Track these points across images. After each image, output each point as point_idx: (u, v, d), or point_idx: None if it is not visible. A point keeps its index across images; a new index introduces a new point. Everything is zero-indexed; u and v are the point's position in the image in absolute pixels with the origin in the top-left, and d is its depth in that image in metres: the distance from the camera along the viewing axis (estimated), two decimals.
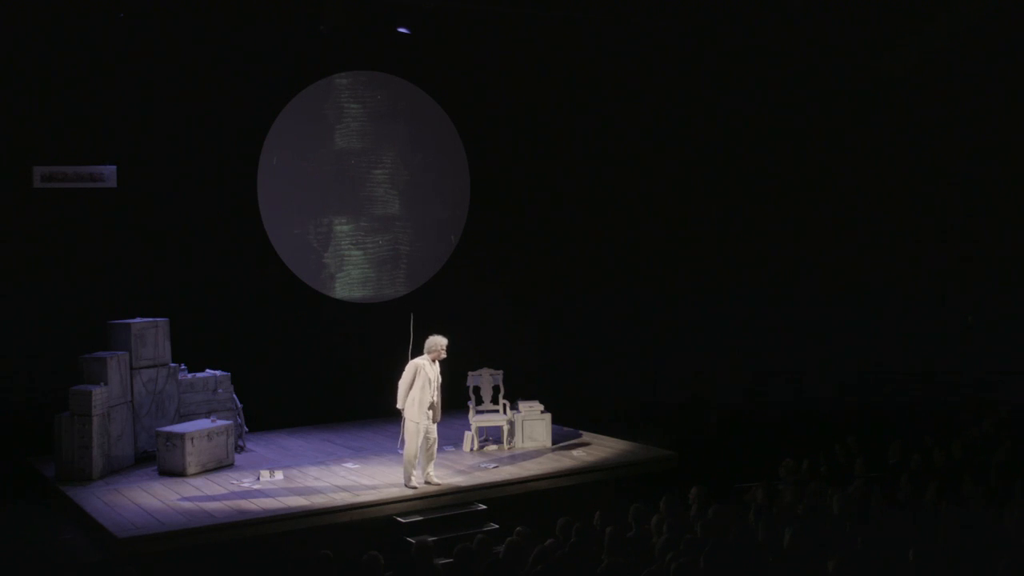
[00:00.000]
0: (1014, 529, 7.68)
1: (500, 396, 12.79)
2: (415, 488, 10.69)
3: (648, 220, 16.25)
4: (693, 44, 15.58)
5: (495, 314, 15.12)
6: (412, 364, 10.77)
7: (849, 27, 15.40)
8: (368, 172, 15.02)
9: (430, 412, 10.73)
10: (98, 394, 11.46)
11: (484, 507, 10.70)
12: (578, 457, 12.13)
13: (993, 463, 9.98)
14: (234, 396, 12.93)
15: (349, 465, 11.85)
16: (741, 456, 12.24)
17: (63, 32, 12.66)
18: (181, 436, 11.47)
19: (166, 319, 12.59)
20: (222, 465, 11.81)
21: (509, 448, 12.54)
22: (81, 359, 11.83)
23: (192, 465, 11.46)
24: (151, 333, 12.40)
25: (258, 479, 11.23)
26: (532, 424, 12.61)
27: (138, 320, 12.39)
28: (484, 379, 12.83)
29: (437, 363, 10.82)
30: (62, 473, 11.40)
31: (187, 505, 10.35)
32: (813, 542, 7.40)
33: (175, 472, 11.44)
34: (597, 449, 12.53)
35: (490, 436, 12.86)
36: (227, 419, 12.40)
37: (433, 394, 10.72)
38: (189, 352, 12.96)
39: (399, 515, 10.40)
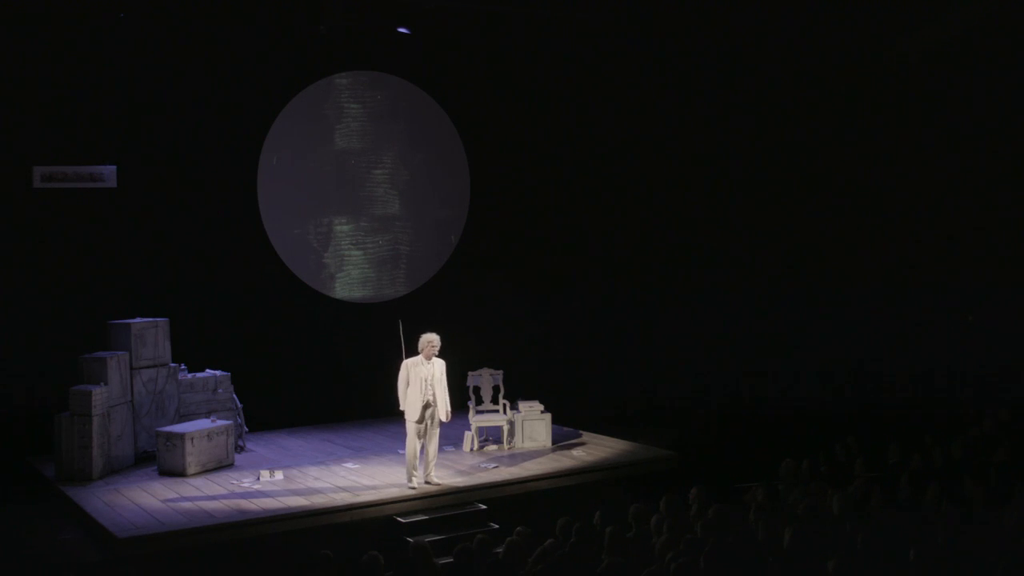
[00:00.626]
0: (1014, 529, 7.68)
1: (500, 396, 12.79)
2: (415, 488, 10.69)
3: (648, 220, 16.24)
4: (693, 44, 15.57)
5: (495, 314, 15.12)
6: (403, 364, 10.76)
7: (848, 27, 15.39)
8: (368, 172, 15.03)
9: (427, 411, 10.71)
10: (98, 394, 11.46)
11: (484, 507, 10.69)
12: (578, 457, 12.13)
13: (993, 463, 9.98)
14: (234, 396, 12.93)
15: (349, 465, 11.85)
16: (741, 456, 12.23)
17: (63, 32, 12.66)
18: (181, 436, 11.47)
19: (166, 319, 12.59)
20: (222, 465, 11.81)
21: (509, 448, 12.54)
22: (81, 359, 11.83)
23: (192, 465, 11.46)
24: (151, 333, 12.41)
25: (258, 479, 11.23)
26: (532, 424, 12.61)
27: (138, 320, 12.39)
28: (484, 379, 12.83)
29: (434, 361, 10.77)
30: (62, 473, 11.40)
31: (187, 505, 10.35)
32: (813, 542, 7.40)
33: (175, 472, 11.44)
34: (597, 449, 12.53)
35: (490, 436, 12.87)
36: (227, 419, 12.40)
37: (427, 393, 10.68)
38: (189, 352, 12.96)
39: (399, 515, 10.40)
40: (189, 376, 12.76)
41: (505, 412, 12.69)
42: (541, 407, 12.73)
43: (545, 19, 14.75)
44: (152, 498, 10.63)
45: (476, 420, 12.62)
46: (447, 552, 9.04)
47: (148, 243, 13.40)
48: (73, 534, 10.16)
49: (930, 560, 6.91)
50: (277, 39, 13.88)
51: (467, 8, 14.31)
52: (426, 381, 10.65)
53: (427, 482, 10.82)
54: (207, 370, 12.95)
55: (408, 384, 10.67)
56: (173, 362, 12.64)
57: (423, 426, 10.71)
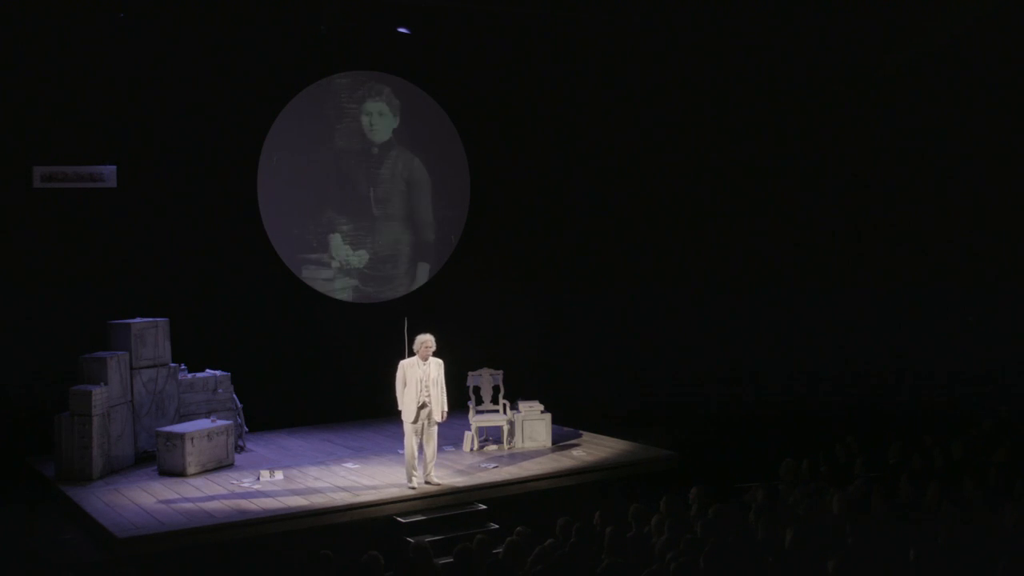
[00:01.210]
0: (1014, 529, 7.67)
1: (500, 396, 12.79)
2: (415, 488, 10.69)
3: (648, 220, 16.25)
4: (692, 44, 15.57)
5: (495, 314, 15.12)
6: (399, 366, 10.75)
7: (848, 28, 15.39)
8: (368, 172, 15.03)
9: (423, 411, 10.70)
10: (98, 394, 11.46)
11: (484, 507, 10.69)
12: (578, 457, 12.13)
13: (993, 463, 9.97)
14: (234, 396, 12.94)
15: (349, 465, 11.85)
16: (741, 456, 12.23)
17: (63, 32, 12.66)
18: (181, 436, 11.47)
19: (166, 319, 12.59)
20: (222, 465, 11.81)
21: (509, 448, 12.54)
22: (81, 359, 11.84)
23: (192, 465, 11.46)
24: (151, 333, 12.41)
25: (258, 479, 11.23)
26: (532, 424, 12.61)
27: (138, 320, 12.39)
28: (484, 379, 12.83)
29: (431, 361, 10.75)
30: (62, 473, 11.40)
31: (187, 505, 10.35)
32: (813, 542, 7.40)
33: (175, 472, 11.44)
34: (597, 449, 12.53)
35: (490, 436, 12.87)
36: (227, 419, 12.40)
37: (423, 393, 10.66)
38: (189, 352, 12.96)
39: (399, 515, 10.40)
40: (189, 376, 12.76)
41: (505, 412, 12.69)
42: (541, 407, 12.72)
43: (545, 19, 14.75)
44: (152, 498, 10.63)
45: (476, 420, 12.62)
46: (447, 552, 9.03)
47: (148, 243, 13.39)
48: (73, 534, 10.16)
49: (930, 560, 6.91)
50: (277, 39, 13.88)
51: (467, 8, 14.31)
52: (421, 382, 10.64)
53: (427, 482, 10.82)
54: (207, 370, 12.95)
55: (405, 385, 10.67)
56: (173, 362, 12.64)
57: (420, 427, 10.71)
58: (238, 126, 13.93)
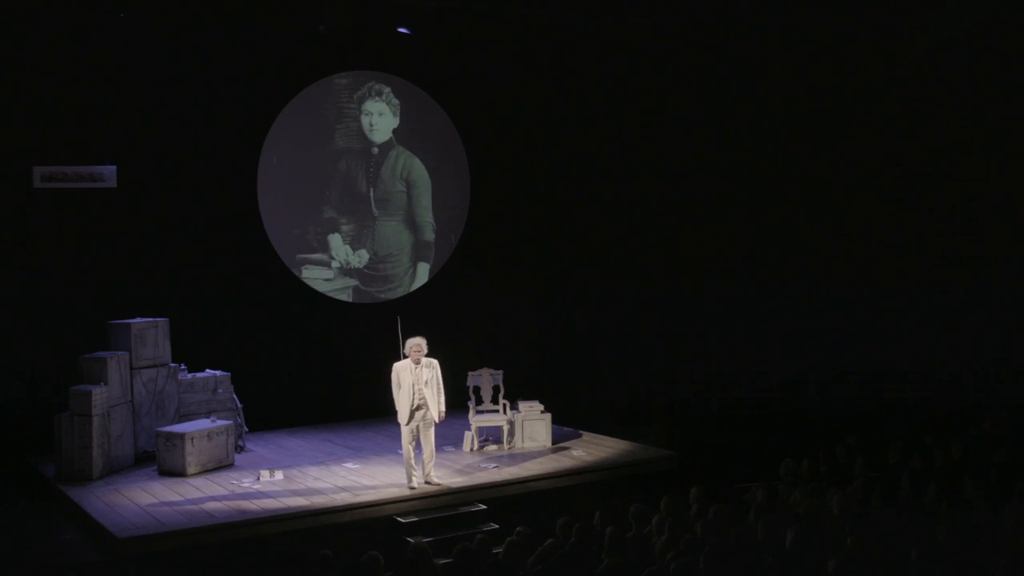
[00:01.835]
0: (1014, 529, 7.67)
1: (500, 396, 12.79)
2: (415, 488, 10.69)
3: (648, 220, 16.24)
4: (692, 44, 15.57)
5: (495, 314, 15.12)
6: (393, 369, 10.75)
7: (847, 28, 15.39)
8: (368, 172, 15.03)
9: (418, 413, 10.69)
10: (98, 394, 11.46)
11: (484, 507, 10.69)
12: (578, 457, 12.13)
13: (993, 463, 9.97)
14: (234, 396, 12.94)
15: (349, 465, 11.85)
16: (741, 456, 12.22)
17: (63, 32, 12.66)
18: (181, 436, 11.47)
19: (166, 319, 12.59)
20: (222, 465, 11.81)
21: (509, 448, 12.54)
22: (81, 359, 11.84)
23: (192, 465, 11.46)
24: (151, 333, 12.41)
25: (258, 479, 11.23)
26: (532, 424, 12.61)
27: (138, 320, 12.39)
28: (484, 379, 12.83)
29: (425, 363, 10.69)
30: (62, 473, 11.40)
31: (187, 505, 10.35)
32: (813, 542, 7.39)
33: (175, 472, 11.44)
34: (597, 449, 12.53)
35: (490, 436, 12.86)
36: (227, 419, 12.40)
37: (417, 395, 10.64)
38: (189, 352, 12.96)
39: (399, 515, 10.40)
40: (189, 376, 12.76)
41: (505, 412, 12.69)
42: (541, 407, 12.72)
43: (545, 19, 14.74)
44: (152, 498, 10.63)
45: (476, 420, 12.61)
46: (447, 552, 9.03)
47: (148, 243, 13.39)
48: (73, 534, 10.16)
49: (930, 560, 6.91)
50: (277, 39, 13.88)
51: (467, 8, 14.31)
52: (414, 385, 10.63)
53: (427, 482, 10.81)
54: (207, 370, 12.95)
55: (400, 387, 10.66)
56: (173, 362, 12.64)
57: (415, 428, 10.70)
58: (238, 126, 13.93)
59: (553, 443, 12.65)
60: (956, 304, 15.68)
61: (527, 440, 12.58)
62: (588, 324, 15.87)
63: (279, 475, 11.34)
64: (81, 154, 13.02)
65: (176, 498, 10.62)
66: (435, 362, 10.81)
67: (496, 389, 12.82)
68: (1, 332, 12.48)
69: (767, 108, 16.22)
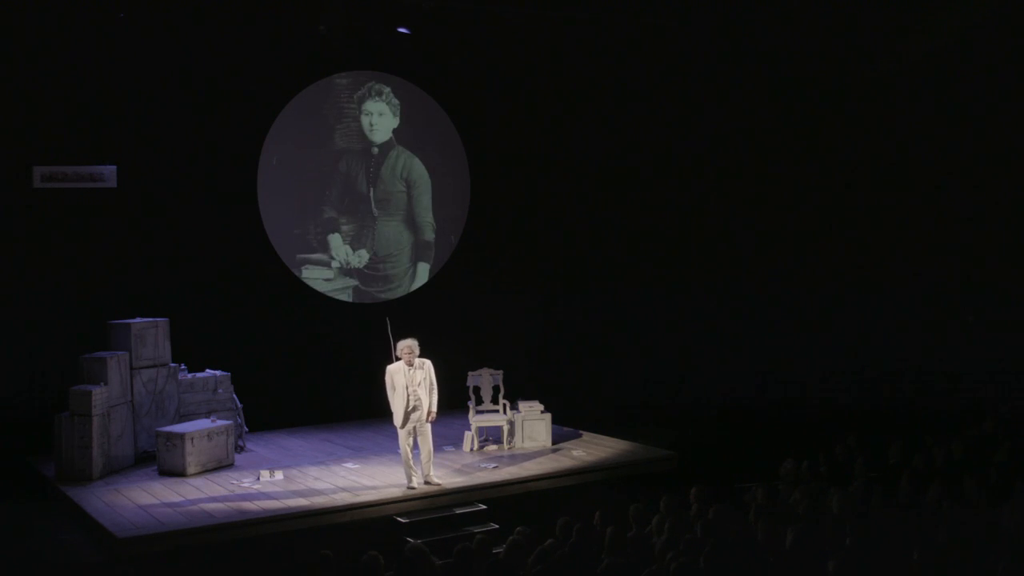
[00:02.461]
0: (1014, 529, 7.67)
1: (500, 396, 12.79)
2: (415, 488, 10.69)
3: (648, 220, 16.24)
4: (693, 44, 15.57)
5: (495, 314, 15.11)
6: (387, 371, 10.73)
7: (847, 28, 15.38)
8: (368, 172, 15.03)
9: (414, 415, 10.67)
10: (98, 394, 11.46)
11: (484, 507, 10.69)
12: (578, 457, 12.13)
13: (993, 463, 9.97)
14: (234, 396, 12.94)
15: (349, 465, 11.85)
16: (741, 456, 12.22)
17: (63, 32, 12.66)
18: (181, 436, 11.47)
19: (166, 319, 12.59)
20: (222, 465, 11.81)
21: (509, 448, 12.54)
22: (81, 359, 11.83)
23: (192, 465, 11.46)
24: (151, 333, 12.41)
25: (258, 479, 11.23)
26: (532, 424, 12.60)
27: (138, 320, 12.39)
28: (484, 379, 12.82)
29: (418, 365, 10.66)
30: (62, 473, 11.39)
31: (187, 505, 10.35)
32: (813, 542, 7.40)
33: (175, 472, 11.44)
34: (597, 449, 12.53)
35: (490, 436, 12.86)
36: (227, 419, 12.40)
37: (412, 397, 10.62)
38: (189, 352, 12.96)
39: (399, 515, 10.40)
40: (189, 376, 12.76)
41: (505, 412, 12.69)
42: (541, 407, 12.72)
43: (545, 19, 14.74)
44: (152, 498, 10.63)
45: (476, 420, 12.61)
46: (447, 552, 9.03)
47: (148, 243, 13.39)
48: (73, 534, 10.16)
49: (930, 560, 6.91)
50: (277, 39, 13.88)
51: (467, 8, 14.31)
52: (408, 387, 10.62)
53: (427, 482, 10.81)
54: (207, 370, 12.95)
55: (394, 390, 10.65)
56: (173, 362, 12.64)
57: (410, 430, 10.69)
58: (238, 126, 13.92)
59: (553, 443, 12.65)
60: (957, 304, 15.68)
61: (527, 440, 12.58)
62: (588, 324, 15.87)
63: (279, 475, 11.34)
64: (81, 154, 13.02)
65: (176, 498, 10.62)
66: (428, 362, 10.79)
67: (496, 389, 12.82)
68: (1, 332, 12.48)
69: (767, 108, 16.21)
